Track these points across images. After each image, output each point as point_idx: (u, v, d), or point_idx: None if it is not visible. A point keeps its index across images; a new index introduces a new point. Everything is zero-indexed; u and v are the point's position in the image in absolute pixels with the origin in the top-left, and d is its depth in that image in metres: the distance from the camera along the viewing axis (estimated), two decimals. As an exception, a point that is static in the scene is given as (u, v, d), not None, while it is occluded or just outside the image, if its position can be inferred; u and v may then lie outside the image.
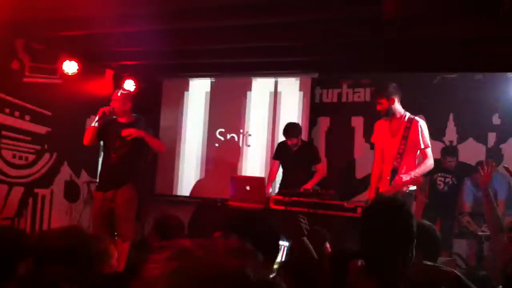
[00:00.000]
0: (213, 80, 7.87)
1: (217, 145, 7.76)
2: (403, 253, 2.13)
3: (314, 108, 7.27)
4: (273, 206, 5.47)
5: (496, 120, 6.41)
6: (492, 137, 6.43)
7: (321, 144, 7.28)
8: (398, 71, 6.49)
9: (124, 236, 5.25)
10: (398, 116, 4.84)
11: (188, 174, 7.87)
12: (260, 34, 5.53)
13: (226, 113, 7.73)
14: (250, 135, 7.56)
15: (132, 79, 7.31)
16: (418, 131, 4.72)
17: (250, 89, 7.63)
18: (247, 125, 7.59)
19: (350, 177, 6.98)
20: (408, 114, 4.84)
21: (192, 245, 1.01)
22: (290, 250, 4.88)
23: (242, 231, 2.08)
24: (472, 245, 5.95)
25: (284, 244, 4.99)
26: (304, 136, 6.81)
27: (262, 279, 1.00)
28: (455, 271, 2.77)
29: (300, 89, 7.30)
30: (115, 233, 5.36)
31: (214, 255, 0.99)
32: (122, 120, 5.47)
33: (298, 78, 7.33)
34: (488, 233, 5.60)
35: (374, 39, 5.38)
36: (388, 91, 4.86)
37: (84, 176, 7.08)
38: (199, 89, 7.96)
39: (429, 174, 6.13)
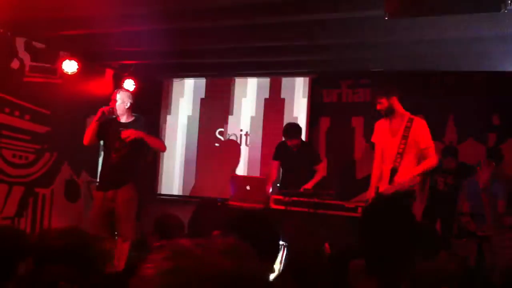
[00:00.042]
0: (213, 79, 7.88)
1: (217, 144, 7.76)
2: (403, 253, 2.13)
3: (314, 108, 7.27)
4: (273, 205, 5.49)
5: (496, 120, 6.41)
6: (492, 138, 6.43)
7: (321, 144, 7.28)
8: (398, 71, 6.49)
9: (124, 236, 5.25)
10: (398, 115, 4.84)
11: (188, 174, 7.87)
12: (260, 34, 5.53)
13: (226, 113, 7.73)
14: (249, 134, 7.56)
15: (132, 79, 7.31)
16: (418, 131, 4.72)
17: (250, 89, 7.63)
18: (247, 124, 7.59)
19: (350, 177, 6.98)
20: (408, 114, 4.84)
21: (189, 244, 1.01)
22: (288, 249, 4.87)
23: (242, 231, 2.08)
24: (472, 245, 5.94)
25: (284, 243, 4.99)
26: (304, 136, 6.82)
27: (258, 280, 1.00)
28: (455, 271, 2.77)
29: (300, 89, 7.30)
30: (115, 233, 5.36)
31: (210, 255, 0.99)
32: (122, 120, 5.47)
33: (298, 78, 7.32)
34: (488, 234, 5.60)
35: (374, 38, 5.39)
36: (388, 90, 4.86)
37: (85, 175, 7.08)
38: (199, 88, 7.96)
39: (429, 174, 6.14)
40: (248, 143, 7.57)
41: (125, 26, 5.42)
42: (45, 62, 6.47)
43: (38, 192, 6.49)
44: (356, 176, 6.96)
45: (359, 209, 4.99)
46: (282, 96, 7.36)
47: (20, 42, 6.17)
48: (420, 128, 4.73)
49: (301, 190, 5.64)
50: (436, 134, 4.86)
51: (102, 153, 6.04)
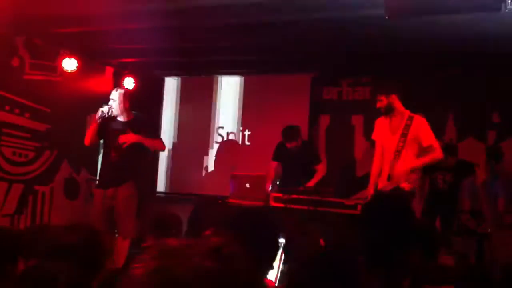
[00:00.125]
0: (211, 77, 7.88)
1: (217, 142, 7.77)
2: (402, 250, 2.13)
3: (314, 106, 7.27)
4: (273, 203, 5.49)
5: (496, 118, 6.41)
6: (491, 136, 6.43)
7: (321, 142, 7.28)
8: (398, 69, 6.49)
9: (125, 234, 5.26)
10: (398, 113, 4.84)
11: (189, 172, 7.88)
12: (260, 32, 5.53)
13: (226, 111, 7.73)
14: (249, 132, 7.56)
15: (132, 77, 7.30)
16: (419, 129, 4.71)
17: (250, 87, 7.63)
18: (247, 122, 7.59)
19: (350, 175, 6.98)
20: (408, 112, 4.83)
21: (176, 244, 1.02)
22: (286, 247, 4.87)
23: (241, 229, 2.08)
24: (472, 242, 5.95)
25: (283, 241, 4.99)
26: (304, 134, 6.81)
27: (243, 280, 1.01)
28: (456, 268, 2.77)
29: (300, 87, 7.29)
30: (116, 231, 5.36)
31: (196, 255, 0.99)
32: (122, 118, 5.46)
33: (298, 76, 7.32)
34: (488, 231, 5.61)
35: (374, 37, 5.39)
36: (387, 88, 4.86)
37: (84, 173, 7.08)
38: (199, 87, 7.96)
39: (429, 172, 6.14)
40: (248, 141, 7.57)
41: (125, 23, 5.41)
42: (45, 60, 6.47)
43: (38, 190, 6.48)
44: (356, 174, 6.97)
45: (359, 207, 4.99)
46: (282, 94, 7.34)
47: (20, 40, 6.16)
48: (421, 126, 4.72)
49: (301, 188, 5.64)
50: (436, 132, 4.85)
51: (101, 150, 6.04)
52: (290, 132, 6.08)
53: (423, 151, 4.76)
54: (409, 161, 4.75)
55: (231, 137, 7.70)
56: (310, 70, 7.17)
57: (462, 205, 6.05)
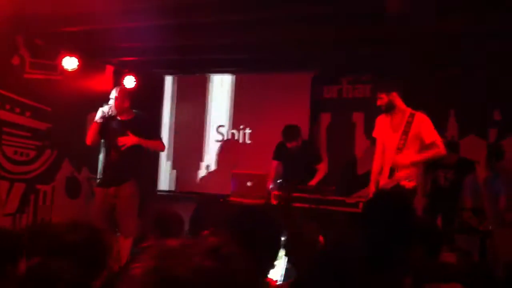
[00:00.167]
0: (211, 76, 7.87)
1: (217, 141, 7.76)
2: (404, 248, 2.13)
3: (315, 105, 7.26)
4: (274, 202, 5.49)
5: (497, 116, 6.41)
6: (493, 133, 6.42)
7: (322, 141, 7.28)
8: (398, 66, 6.48)
9: (127, 232, 5.26)
10: (399, 111, 4.82)
11: (190, 170, 7.88)
12: (261, 30, 5.52)
13: (226, 109, 7.73)
14: (250, 131, 7.56)
15: (132, 75, 7.30)
16: (421, 126, 4.69)
17: (251, 85, 7.62)
18: (247, 121, 7.58)
19: (351, 173, 6.98)
20: (409, 110, 4.82)
21: (175, 244, 1.02)
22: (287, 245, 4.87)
23: (243, 227, 2.08)
24: (474, 240, 5.95)
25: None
26: (304, 132, 6.80)
27: (240, 280, 1.01)
28: (458, 266, 2.77)
29: (301, 86, 7.29)
30: (117, 230, 5.37)
31: (194, 255, 0.99)
32: (122, 117, 5.46)
33: (299, 75, 7.31)
34: (490, 228, 5.60)
35: (375, 35, 5.38)
36: (388, 86, 4.85)
37: (85, 172, 7.09)
38: (199, 85, 7.95)
39: (431, 169, 6.14)
40: (249, 139, 7.57)
41: (126, 22, 5.41)
42: (45, 58, 6.46)
43: (39, 189, 6.49)
44: (357, 172, 6.96)
45: (360, 205, 4.98)
46: (283, 92, 7.34)
47: (20, 39, 6.16)
48: (423, 123, 4.70)
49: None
50: (437, 129, 4.83)
51: (102, 149, 6.04)
52: (289, 132, 6.07)
53: (425, 148, 4.75)
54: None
55: (231, 135, 7.69)
56: (310, 68, 7.16)
57: (463, 203, 6.05)
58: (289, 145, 6.06)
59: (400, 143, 4.75)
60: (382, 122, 4.99)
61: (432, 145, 4.69)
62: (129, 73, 7.29)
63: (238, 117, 7.64)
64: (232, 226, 2.10)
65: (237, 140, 7.63)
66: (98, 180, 5.99)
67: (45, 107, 6.48)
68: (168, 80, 8.20)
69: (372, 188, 4.95)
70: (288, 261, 3.14)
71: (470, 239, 5.87)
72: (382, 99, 4.84)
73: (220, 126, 7.75)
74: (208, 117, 7.85)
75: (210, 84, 7.90)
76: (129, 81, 7.24)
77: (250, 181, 5.67)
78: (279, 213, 5.12)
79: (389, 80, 4.95)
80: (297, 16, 5.13)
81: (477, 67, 6.37)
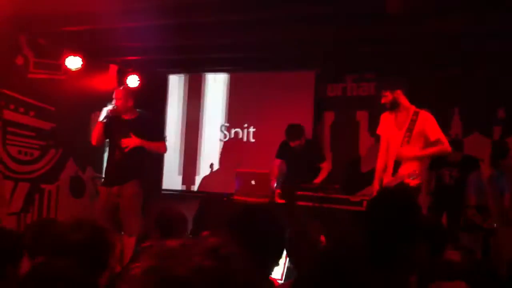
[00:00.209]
0: (215, 75, 7.87)
1: (221, 140, 7.76)
2: (409, 246, 2.12)
3: (319, 103, 7.25)
4: (278, 200, 5.49)
5: (501, 113, 6.39)
6: (497, 131, 6.41)
7: (326, 139, 7.27)
8: (403, 65, 6.47)
9: (130, 231, 5.27)
10: (403, 109, 4.81)
11: (194, 169, 7.89)
12: (261, 30, 5.52)
13: (230, 108, 7.72)
14: (254, 130, 7.56)
15: (136, 74, 7.31)
16: (425, 124, 4.68)
17: (253, 84, 7.62)
18: (251, 120, 7.58)
19: (355, 171, 6.97)
20: (414, 107, 4.81)
21: (174, 245, 1.02)
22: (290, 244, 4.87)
23: (247, 226, 2.07)
24: (478, 238, 5.93)
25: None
26: (308, 131, 6.80)
27: (240, 281, 1.01)
28: (462, 264, 2.76)
29: (304, 84, 7.28)
30: (121, 228, 5.38)
31: (193, 255, 0.99)
32: (126, 116, 5.46)
33: (303, 73, 7.30)
34: (494, 226, 5.59)
35: (377, 34, 5.37)
36: (392, 83, 4.84)
37: (90, 171, 7.10)
38: (202, 84, 7.96)
39: (435, 167, 6.13)
40: (253, 138, 7.57)
41: (129, 21, 5.41)
42: (49, 58, 6.48)
43: (44, 188, 6.51)
44: (361, 170, 6.95)
45: (364, 203, 4.98)
46: (286, 91, 7.33)
47: (24, 39, 6.17)
48: (427, 121, 4.69)
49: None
50: (442, 127, 4.82)
51: (107, 148, 6.05)
52: (293, 130, 6.07)
53: (429, 146, 4.74)
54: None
55: (235, 134, 7.69)
56: (314, 66, 7.15)
57: (468, 200, 6.04)
58: (292, 144, 6.06)
59: (405, 141, 4.74)
60: (386, 120, 4.98)
61: (437, 142, 4.68)
62: (132, 73, 7.30)
63: (242, 115, 7.63)
64: (235, 226, 2.10)
65: (241, 139, 7.63)
66: (102, 179, 6.00)
67: (49, 107, 6.49)
68: (172, 79, 8.20)
69: (376, 186, 4.94)
70: (290, 261, 3.13)
71: (473, 237, 5.86)
72: (387, 97, 4.83)
73: (224, 125, 7.75)
74: (213, 116, 7.85)
75: (214, 83, 7.90)
76: (133, 81, 7.25)
77: (254, 179, 5.67)
78: (283, 211, 5.12)
79: (394, 78, 4.93)
80: (297, 16, 5.13)
81: (478, 67, 6.36)
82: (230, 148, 7.68)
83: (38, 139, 6.40)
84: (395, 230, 2.16)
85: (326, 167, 6.17)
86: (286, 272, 3.41)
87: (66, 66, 6.49)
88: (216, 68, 7.73)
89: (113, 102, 5.41)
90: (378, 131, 5.10)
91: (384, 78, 5.75)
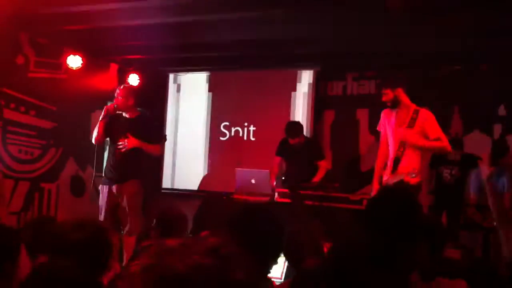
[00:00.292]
0: (215, 73, 7.87)
1: (222, 138, 7.76)
2: (409, 244, 2.12)
3: (319, 101, 7.25)
4: (278, 199, 5.49)
5: (502, 111, 6.39)
6: (497, 129, 6.40)
7: (325, 138, 7.26)
8: (403, 63, 6.47)
9: (130, 231, 5.27)
10: (404, 107, 4.81)
11: (194, 168, 7.88)
12: (262, 27, 5.52)
13: (230, 107, 7.72)
14: (254, 128, 7.56)
15: (136, 73, 7.31)
16: (425, 122, 4.68)
17: (253, 83, 7.62)
18: (251, 118, 7.58)
19: (355, 170, 6.97)
20: (414, 106, 4.81)
21: (173, 244, 1.02)
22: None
23: (247, 225, 2.08)
24: (478, 236, 5.94)
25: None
26: (309, 129, 6.80)
27: (239, 280, 1.01)
28: (462, 262, 2.77)
29: (305, 82, 7.28)
30: (121, 228, 5.38)
31: (192, 254, 0.99)
32: (127, 115, 5.46)
33: (303, 71, 7.30)
34: (494, 225, 5.59)
35: (378, 31, 5.37)
36: (393, 81, 4.84)
37: (90, 170, 7.09)
38: (203, 83, 7.96)
39: (435, 166, 6.13)
40: (253, 136, 7.57)
41: (130, 20, 5.41)
42: (49, 57, 6.48)
43: (44, 187, 6.51)
44: (361, 169, 6.95)
45: (364, 202, 4.98)
46: (286, 89, 7.33)
47: (24, 38, 6.17)
48: (427, 119, 4.69)
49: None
50: (442, 125, 4.82)
51: (107, 148, 6.05)
52: (292, 128, 6.07)
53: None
54: (414, 154, 4.72)
55: (235, 133, 7.69)
56: (314, 65, 7.15)
57: (468, 199, 6.04)
58: (292, 141, 6.06)
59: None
60: (387, 116, 4.98)
61: (437, 140, 4.68)
62: (133, 71, 7.30)
63: (243, 114, 7.63)
64: (235, 226, 2.10)
65: (242, 138, 7.63)
66: (102, 178, 5.99)
67: (50, 106, 6.50)
68: (172, 78, 8.20)
69: (375, 184, 4.93)
70: (288, 260, 3.14)
71: (473, 235, 5.87)
72: (387, 95, 4.83)
73: (224, 123, 7.75)
74: (213, 115, 7.85)
75: (214, 81, 7.90)
76: (133, 79, 7.25)
77: (254, 178, 5.68)
78: (283, 210, 5.12)
79: (395, 76, 4.93)
80: (298, 14, 5.13)
81: (478, 65, 6.36)
82: (230, 147, 7.68)
83: (38, 138, 6.40)
84: (396, 228, 2.16)
85: (324, 166, 6.16)
86: (285, 271, 3.41)
87: (66, 65, 6.49)
88: (216, 67, 7.73)
89: (114, 100, 5.41)
90: (379, 128, 5.10)
91: (384, 76, 5.75)
